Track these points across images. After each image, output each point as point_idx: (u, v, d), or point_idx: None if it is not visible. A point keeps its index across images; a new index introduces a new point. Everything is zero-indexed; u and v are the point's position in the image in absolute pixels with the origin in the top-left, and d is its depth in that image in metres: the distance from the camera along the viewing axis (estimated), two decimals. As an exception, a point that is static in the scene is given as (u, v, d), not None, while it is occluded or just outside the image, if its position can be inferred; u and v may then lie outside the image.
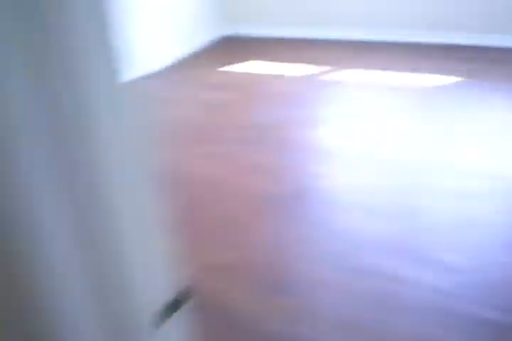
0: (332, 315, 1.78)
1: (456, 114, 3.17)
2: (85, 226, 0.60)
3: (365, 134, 3.04)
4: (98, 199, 0.59)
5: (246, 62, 4.48)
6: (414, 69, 3.86)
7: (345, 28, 4.55)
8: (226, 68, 4.38)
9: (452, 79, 3.61)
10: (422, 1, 4.04)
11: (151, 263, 0.70)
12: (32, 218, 0.54)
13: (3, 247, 0.54)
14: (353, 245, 2.13)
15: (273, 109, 3.49)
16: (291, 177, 2.65)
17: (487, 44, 4.04)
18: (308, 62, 4.30)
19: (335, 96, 3.63)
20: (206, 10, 4.92)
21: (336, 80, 3.89)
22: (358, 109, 3.37)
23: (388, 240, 2.15)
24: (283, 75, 4.10)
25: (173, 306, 0.76)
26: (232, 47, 5.00)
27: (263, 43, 4.99)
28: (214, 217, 2.36)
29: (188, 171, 2.76)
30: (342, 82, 3.82)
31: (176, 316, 0.76)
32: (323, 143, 3.00)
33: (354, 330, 1.71)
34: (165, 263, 0.73)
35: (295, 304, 1.83)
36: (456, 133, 2.96)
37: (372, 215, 2.31)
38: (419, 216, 2.29)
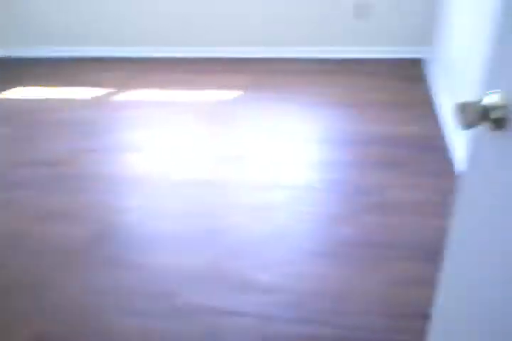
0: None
1: (243, 128, 3.14)
2: None
3: (166, 157, 2.91)
4: None
5: (19, 88, 3.84)
6: (199, 86, 3.70)
7: (126, 46, 4.22)
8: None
9: (235, 93, 3.54)
10: (201, 18, 3.97)
11: None
12: None
13: None
14: (169, 284, 2.06)
15: (62, 141, 3.10)
16: (96, 217, 2.44)
17: (265, 56, 4.02)
18: (93, 85, 3.83)
19: (128, 119, 3.32)
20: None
21: (124, 102, 3.53)
22: (155, 131, 3.17)
23: (203, 271, 2.11)
24: (66, 101, 3.60)
25: None
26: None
27: (36, 66, 4.24)
28: (4, 280, 2.12)
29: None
30: (131, 104, 3.50)
31: None
32: (126, 172, 2.77)
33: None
34: None
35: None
36: (246, 147, 2.96)
37: (184, 247, 2.25)
38: (229, 238, 2.29)
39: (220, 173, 2.74)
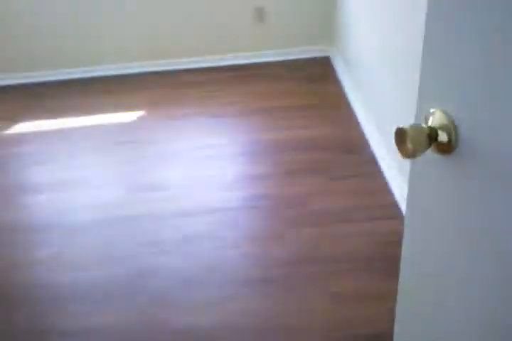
0: None
1: (151, 151, 2.88)
2: None
3: (72, 194, 2.60)
4: None
5: None
6: (98, 109, 3.34)
7: (18, 72, 3.74)
8: None
9: (138, 113, 3.24)
10: (92, 35, 3.60)
11: None
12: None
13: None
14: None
15: None
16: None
17: (165, 69, 3.70)
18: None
19: (24, 155, 2.95)
20: None
21: (18, 136, 3.13)
22: (56, 165, 2.84)
23: (132, 326, 1.91)
24: None
25: None
26: None
27: None
28: None
29: None
30: (27, 137, 3.11)
31: None
32: (28, 218, 2.46)
33: None
34: None
35: None
36: (158, 172, 2.71)
37: (108, 299, 2.01)
38: (157, 281, 2.07)
39: (134, 206, 2.50)
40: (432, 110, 0.83)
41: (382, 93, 2.55)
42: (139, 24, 3.55)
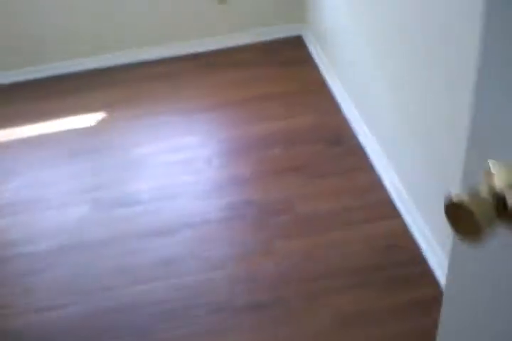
0: None
1: (118, 159, 2.58)
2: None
3: (32, 216, 2.31)
4: None
5: None
6: (52, 114, 2.96)
7: None
8: None
9: (99, 115, 2.90)
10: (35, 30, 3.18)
11: None
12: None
13: None
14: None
15: None
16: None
17: (122, 62, 3.33)
18: None
19: None
20: None
21: None
22: (10, 183, 2.53)
23: None
24: None
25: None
26: None
27: None
28: None
29: None
30: None
31: None
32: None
33: None
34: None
35: None
36: (127, 184, 2.42)
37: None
38: (139, 316, 1.84)
39: (101, 227, 2.21)
40: (491, 164, 0.58)
41: (363, 73, 2.30)
42: (90, 12, 3.19)
